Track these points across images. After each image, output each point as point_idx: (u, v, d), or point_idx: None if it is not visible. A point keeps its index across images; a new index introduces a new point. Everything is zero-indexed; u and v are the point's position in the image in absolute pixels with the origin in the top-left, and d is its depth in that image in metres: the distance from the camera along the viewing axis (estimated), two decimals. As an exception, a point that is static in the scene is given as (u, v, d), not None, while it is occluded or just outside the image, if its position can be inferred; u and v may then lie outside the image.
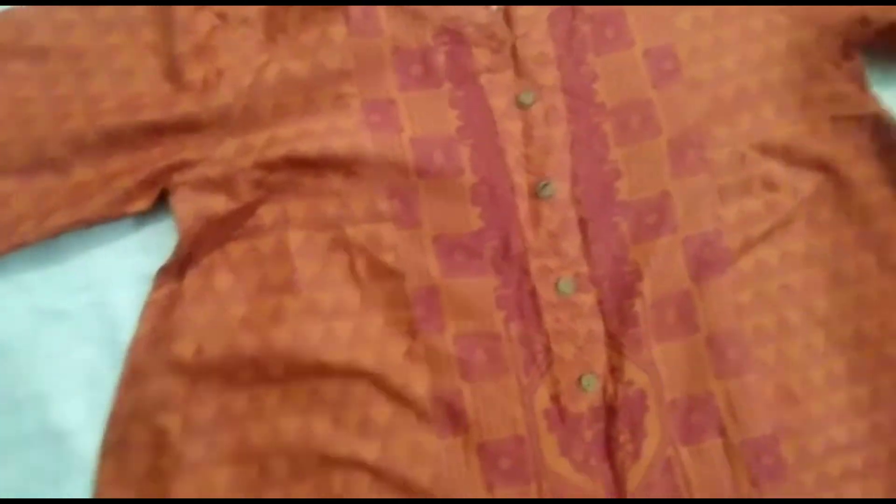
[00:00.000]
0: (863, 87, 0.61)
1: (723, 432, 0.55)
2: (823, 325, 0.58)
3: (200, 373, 0.53)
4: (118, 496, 0.52)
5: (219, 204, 0.55)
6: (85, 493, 0.53)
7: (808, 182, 0.59)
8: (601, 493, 0.54)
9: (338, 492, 0.53)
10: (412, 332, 0.56)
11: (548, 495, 0.53)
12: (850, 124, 0.60)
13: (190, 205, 0.55)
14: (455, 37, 0.60)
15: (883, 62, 0.63)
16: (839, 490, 0.55)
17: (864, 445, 0.56)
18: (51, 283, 0.57)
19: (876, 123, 0.60)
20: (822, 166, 0.60)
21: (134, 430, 0.53)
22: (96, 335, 0.57)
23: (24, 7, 0.58)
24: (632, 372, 0.55)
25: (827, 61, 0.61)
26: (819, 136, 0.60)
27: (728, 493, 0.54)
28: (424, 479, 0.53)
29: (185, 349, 0.53)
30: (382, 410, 0.54)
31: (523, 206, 0.58)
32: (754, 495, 0.54)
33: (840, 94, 0.60)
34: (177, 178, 0.55)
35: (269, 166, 0.56)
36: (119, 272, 0.58)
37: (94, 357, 0.56)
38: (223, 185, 0.56)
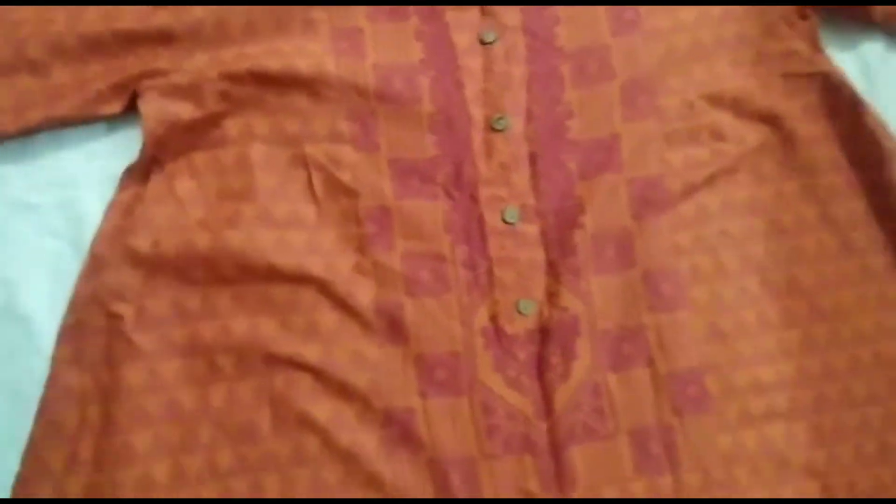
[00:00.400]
0: (815, 46, 0.63)
1: (651, 363, 0.58)
2: (759, 271, 0.60)
3: (156, 267, 0.57)
4: (74, 377, 0.55)
5: (185, 111, 0.59)
6: (42, 374, 0.56)
7: (754, 134, 0.62)
8: (530, 409, 0.57)
9: (280, 390, 0.56)
10: (362, 247, 0.59)
11: (478, 408, 0.56)
12: (801, 82, 0.63)
13: (156, 108, 0.59)
14: None
15: (839, 25, 0.66)
16: (761, 428, 0.58)
17: (789, 387, 0.58)
18: (23, 178, 0.61)
19: (825, 82, 0.62)
20: (770, 120, 0.62)
21: (91, 315, 0.56)
22: (63, 230, 0.61)
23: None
24: (568, 299, 0.58)
25: (782, 20, 0.63)
26: (769, 92, 0.63)
27: (651, 420, 0.57)
28: (362, 383, 0.56)
29: (142, 242, 0.57)
30: (327, 317, 0.57)
31: (478, 138, 0.61)
32: (675, 424, 0.57)
33: (793, 52, 0.63)
34: (147, 83, 0.59)
35: (235, 78, 0.59)
36: (88, 173, 0.61)
37: (59, 250, 0.60)
38: (190, 93, 0.59)
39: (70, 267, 0.58)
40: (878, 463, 0.57)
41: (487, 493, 0.55)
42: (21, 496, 0.54)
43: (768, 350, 0.59)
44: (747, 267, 0.60)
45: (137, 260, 0.56)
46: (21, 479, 0.55)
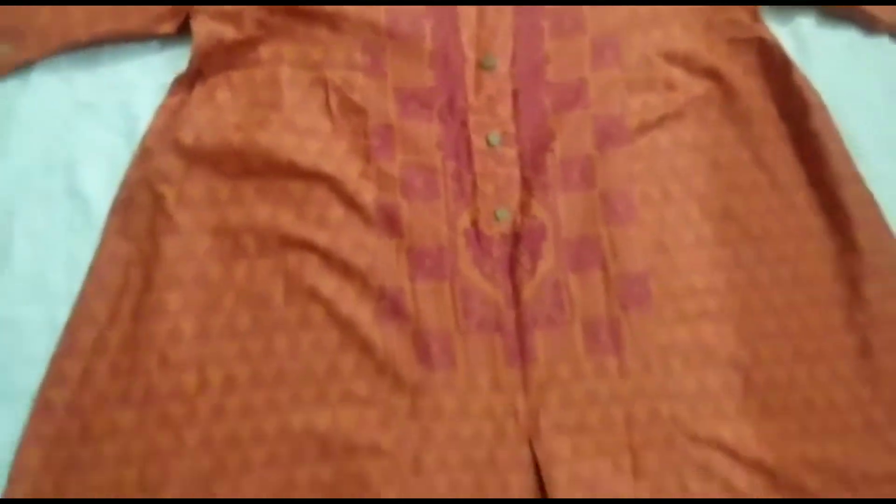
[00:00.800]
0: (756, 17, 0.75)
1: (604, 266, 0.69)
2: (699, 199, 0.71)
3: (196, 157, 0.68)
4: (121, 245, 0.67)
5: (228, 33, 0.71)
6: (93, 243, 0.67)
7: (701, 86, 0.74)
8: (501, 298, 0.67)
9: (293, 267, 0.67)
10: (367, 157, 0.70)
11: (458, 293, 0.67)
12: (742, 45, 0.75)
13: (205, 28, 0.71)
14: None
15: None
16: (693, 326, 0.68)
17: (719, 294, 0.69)
18: (89, 82, 0.74)
19: (762, 45, 0.75)
20: (715, 76, 0.74)
21: (139, 193, 0.68)
22: (119, 126, 0.72)
23: None
24: (537, 210, 0.69)
25: (730, -1, 0.76)
26: (715, 53, 0.75)
27: (601, 313, 0.68)
28: (362, 265, 0.67)
29: (186, 136, 0.68)
30: (336, 211, 0.68)
31: (469, 74, 0.72)
32: (621, 317, 0.67)
33: (736, 21, 0.75)
34: (200, 7, 0.71)
35: (270, 10, 0.71)
36: (143, 81, 0.74)
37: (115, 142, 0.72)
38: (233, 18, 0.71)
39: (123, 157, 0.70)
40: (793, 362, 0.68)
41: (461, 363, 0.66)
42: (67, 343, 0.65)
43: (703, 263, 0.70)
44: (689, 195, 0.71)
45: (181, 150, 0.68)
46: (68, 327, 0.65)
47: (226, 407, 0.64)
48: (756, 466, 0.65)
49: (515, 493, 0.63)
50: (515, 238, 0.69)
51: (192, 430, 0.63)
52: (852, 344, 0.68)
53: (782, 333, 0.68)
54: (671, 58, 0.74)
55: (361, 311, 0.66)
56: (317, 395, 0.65)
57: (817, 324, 0.69)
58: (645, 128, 0.72)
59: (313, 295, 0.66)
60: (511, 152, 0.71)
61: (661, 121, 0.72)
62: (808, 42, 0.78)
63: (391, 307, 0.66)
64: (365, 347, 0.65)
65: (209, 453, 0.63)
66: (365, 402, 0.65)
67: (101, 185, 0.69)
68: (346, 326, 0.66)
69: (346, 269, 0.67)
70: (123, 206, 0.68)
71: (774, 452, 0.65)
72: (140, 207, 0.67)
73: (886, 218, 0.70)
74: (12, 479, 0.62)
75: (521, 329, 0.67)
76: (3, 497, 0.62)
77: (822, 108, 0.72)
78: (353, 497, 0.62)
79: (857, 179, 0.71)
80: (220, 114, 0.69)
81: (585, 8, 0.74)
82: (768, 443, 0.65)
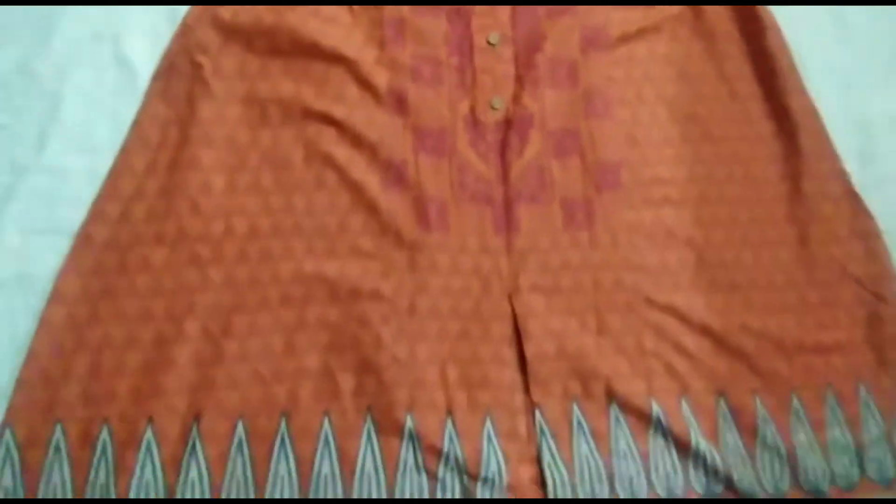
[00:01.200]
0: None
1: (582, 155, 0.79)
2: (668, 104, 0.82)
3: (232, 32, 0.77)
4: (161, 107, 0.76)
5: None
6: (136, 105, 0.76)
7: (675, 7, 0.84)
8: (492, 176, 0.77)
9: (312, 136, 0.76)
10: (382, 45, 0.79)
11: (455, 168, 0.77)
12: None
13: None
14: None
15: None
16: (657, 209, 0.78)
17: (680, 184, 0.79)
18: None
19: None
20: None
21: (180, 61, 0.77)
22: (161, 9, 0.82)
23: None
24: (528, 101, 0.79)
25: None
26: (689, -19, 0.85)
27: (578, 194, 0.78)
28: (372, 138, 0.77)
29: (225, 12, 0.78)
30: (352, 90, 0.78)
31: None
32: (595, 198, 0.78)
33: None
34: None
35: None
36: None
37: (157, 20, 0.81)
38: None
39: (165, 33, 0.78)
40: (741, 246, 0.78)
41: (454, 227, 0.75)
42: (108, 188, 0.73)
43: (668, 157, 0.80)
44: (660, 99, 0.82)
45: (219, 25, 0.77)
46: (110, 175, 0.74)
47: (248, 252, 0.73)
48: (703, 331, 0.75)
49: (496, 341, 0.73)
50: (507, 125, 0.79)
51: (217, 269, 0.72)
52: (792, 234, 0.79)
53: (732, 222, 0.79)
54: (651, -19, 0.84)
55: (370, 178, 0.75)
56: (328, 248, 0.74)
57: (763, 215, 0.79)
58: (625, 38, 0.82)
59: (328, 161, 0.75)
60: (508, 51, 0.81)
61: (640, 33, 0.83)
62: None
63: (396, 176, 0.76)
64: (371, 209, 0.75)
65: (231, 290, 0.72)
66: (369, 255, 0.74)
67: (146, 55, 0.78)
68: (356, 190, 0.75)
69: (358, 141, 0.76)
70: (165, 72, 0.77)
71: (720, 320, 0.76)
72: (180, 74, 0.76)
73: (826, 127, 0.81)
74: (51, 302, 0.70)
75: (508, 203, 0.77)
76: (41, 318, 0.70)
77: (777, 29, 0.83)
78: (355, 334, 0.72)
79: (804, 92, 0.82)
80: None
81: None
82: (715, 312, 0.76)
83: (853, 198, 0.80)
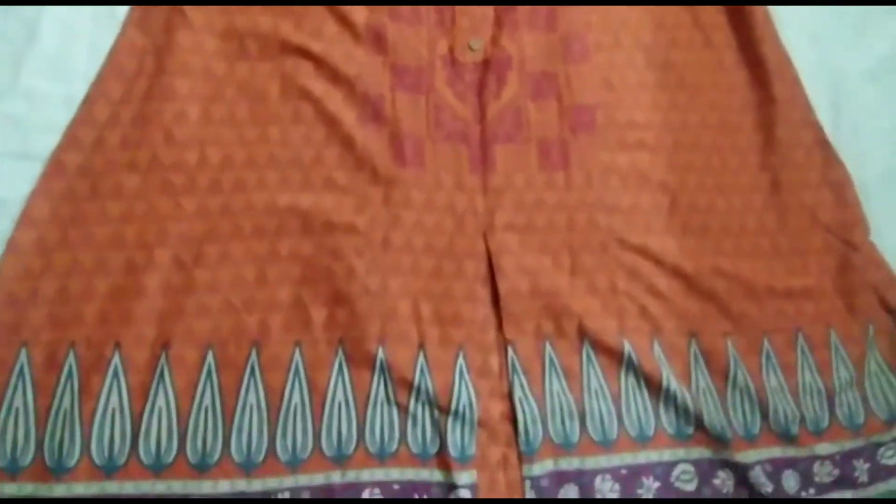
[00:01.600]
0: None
1: (559, 98, 0.79)
2: (645, 50, 0.83)
3: None
4: (138, 36, 0.75)
5: None
6: (114, 34, 0.75)
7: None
8: (469, 115, 0.78)
9: (289, 70, 0.76)
10: (363, -10, 0.80)
11: (431, 106, 0.77)
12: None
13: None
14: None
15: None
16: (633, 152, 0.79)
17: (655, 129, 0.80)
18: None
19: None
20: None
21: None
22: None
23: None
24: (506, 43, 0.80)
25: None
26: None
27: (553, 135, 0.78)
28: (350, 73, 0.77)
29: None
30: (331, 27, 0.78)
31: None
32: (570, 139, 0.78)
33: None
34: None
35: None
36: None
37: None
38: None
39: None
40: (714, 191, 0.79)
41: (430, 164, 0.76)
42: (83, 114, 0.73)
43: (644, 102, 0.81)
44: (637, 46, 0.83)
45: None
46: (85, 102, 0.73)
47: (221, 182, 0.73)
48: (675, 272, 0.76)
49: (469, 278, 0.73)
50: (485, 66, 0.79)
51: (189, 198, 0.72)
52: (765, 181, 0.80)
53: (706, 168, 0.80)
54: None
55: (346, 113, 0.75)
56: (302, 180, 0.74)
57: (736, 162, 0.81)
58: (602, -14, 0.83)
59: (305, 95, 0.75)
60: (487, -5, 0.81)
61: (618, -18, 0.84)
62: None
63: (373, 111, 0.76)
64: (347, 143, 0.75)
65: (204, 219, 0.72)
66: (344, 189, 0.74)
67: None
68: (332, 124, 0.75)
69: (335, 76, 0.76)
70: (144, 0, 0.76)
71: (692, 262, 0.76)
72: (158, 3, 0.76)
73: (800, 76, 0.83)
74: (20, 226, 0.69)
75: (485, 142, 0.77)
76: (9, 240, 0.69)
77: (754, -19, 0.84)
78: (328, 266, 0.71)
79: (778, 42, 0.83)
80: None
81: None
82: (687, 254, 0.77)
83: (825, 146, 0.81)
